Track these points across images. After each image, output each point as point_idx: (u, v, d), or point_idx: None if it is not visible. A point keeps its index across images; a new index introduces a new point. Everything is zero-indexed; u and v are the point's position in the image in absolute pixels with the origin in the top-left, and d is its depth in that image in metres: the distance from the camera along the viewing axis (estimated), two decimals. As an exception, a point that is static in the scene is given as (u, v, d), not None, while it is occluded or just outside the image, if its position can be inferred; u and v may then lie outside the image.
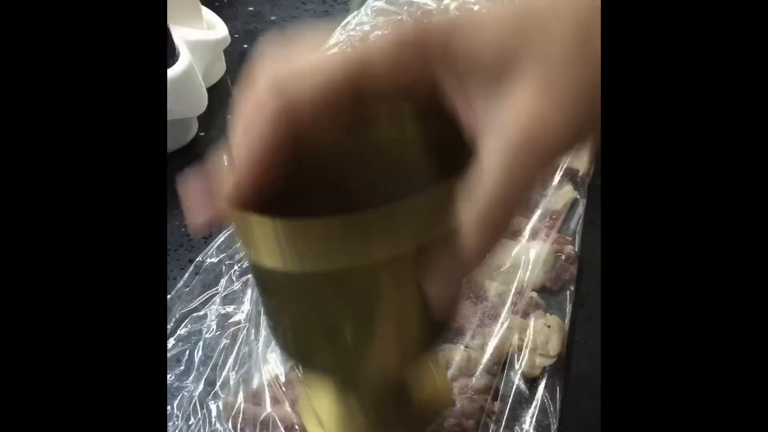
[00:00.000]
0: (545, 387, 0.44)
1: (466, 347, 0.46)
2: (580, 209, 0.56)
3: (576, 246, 0.54)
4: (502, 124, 0.21)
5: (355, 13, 0.79)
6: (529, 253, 0.52)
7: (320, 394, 0.35)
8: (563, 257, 0.52)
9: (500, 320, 0.48)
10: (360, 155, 0.27)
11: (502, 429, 0.41)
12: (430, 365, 0.37)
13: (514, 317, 0.48)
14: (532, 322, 0.47)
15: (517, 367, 0.45)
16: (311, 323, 0.26)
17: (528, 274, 0.51)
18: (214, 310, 0.50)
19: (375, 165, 0.27)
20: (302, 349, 0.28)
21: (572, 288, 0.50)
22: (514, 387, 0.44)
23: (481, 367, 0.44)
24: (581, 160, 0.59)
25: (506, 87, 0.21)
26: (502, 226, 0.22)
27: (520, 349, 0.46)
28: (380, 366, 0.27)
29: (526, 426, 0.42)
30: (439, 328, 0.28)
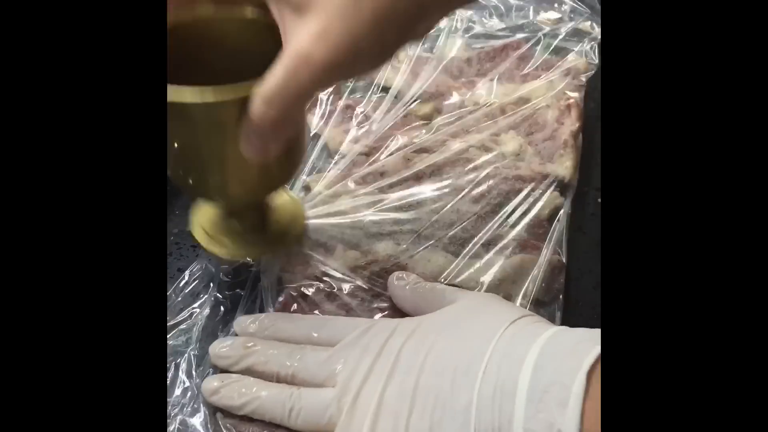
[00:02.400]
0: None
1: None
2: (565, 217, 0.57)
3: (563, 255, 0.54)
4: (290, 47, 0.31)
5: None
6: (517, 266, 0.52)
7: (203, 210, 0.50)
8: (551, 268, 0.52)
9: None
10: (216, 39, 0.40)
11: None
12: (288, 197, 0.52)
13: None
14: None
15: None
16: (184, 154, 0.39)
17: (516, 286, 0.51)
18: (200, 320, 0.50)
19: (226, 46, 0.40)
20: (182, 177, 0.41)
21: (561, 297, 0.51)
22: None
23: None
24: (564, 167, 0.59)
25: (299, 20, 0.31)
26: (276, 106, 0.32)
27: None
28: (235, 192, 0.41)
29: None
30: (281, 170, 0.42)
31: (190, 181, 0.41)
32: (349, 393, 0.36)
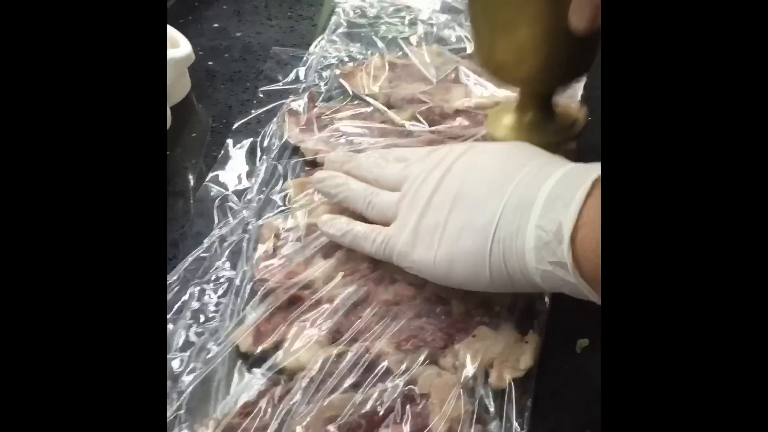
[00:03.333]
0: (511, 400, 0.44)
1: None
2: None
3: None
4: None
5: (321, 37, 0.79)
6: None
7: (503, 112, 0.59)
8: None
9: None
10: None
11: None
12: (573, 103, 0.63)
13: (486, 331, 0.48)
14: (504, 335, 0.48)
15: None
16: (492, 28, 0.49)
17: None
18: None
19: None
20: (492, 59, 0.52)
21: (547, 301, 0.50)
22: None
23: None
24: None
25: None
26: None
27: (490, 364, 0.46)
28: (545, 76, 0.51)
29: None
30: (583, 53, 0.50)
31: (507, 64, 0.50)
32: (408, 195, 0.47)
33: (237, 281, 0.54)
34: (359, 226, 0.51)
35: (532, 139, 0.49)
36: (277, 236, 0.57)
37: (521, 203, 0.40)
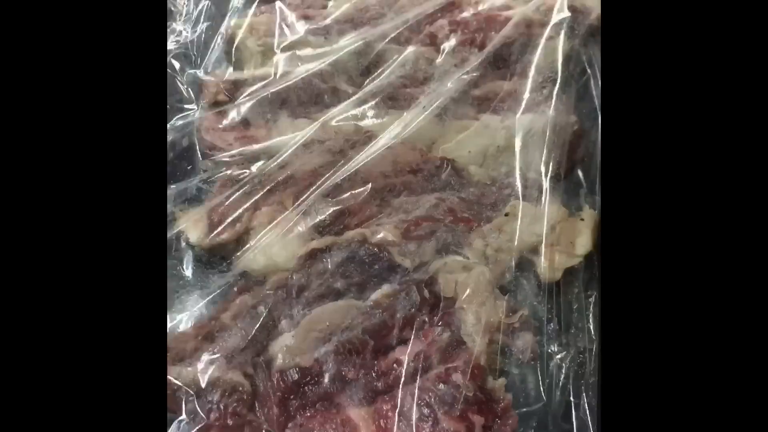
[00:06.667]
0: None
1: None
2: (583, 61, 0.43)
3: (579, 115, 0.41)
4: None
5: None
6: (526, 127, 0.39)
7: None
8: (570, 132, 0.39)
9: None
10: None
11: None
12: None
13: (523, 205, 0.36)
14: (546, 210, 0.35)
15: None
16: None
17: (528, 153, 0.38)
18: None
19: None
20: None
21: (597, 167, 0.38)
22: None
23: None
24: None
25: None
26: None
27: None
28: None
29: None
30: None
31: None
32: None
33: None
34: None
35: None
36: (223, 91, 0.43)
37: None
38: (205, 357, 0.31)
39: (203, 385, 0.30)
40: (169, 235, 0.36)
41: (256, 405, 0.31)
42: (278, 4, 0.49)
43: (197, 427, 0.30)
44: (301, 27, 0.47)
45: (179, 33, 0.47)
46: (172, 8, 0.50)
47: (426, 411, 0.29)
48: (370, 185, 0.37)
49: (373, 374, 0.31)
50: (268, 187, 0.37)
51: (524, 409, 0.31)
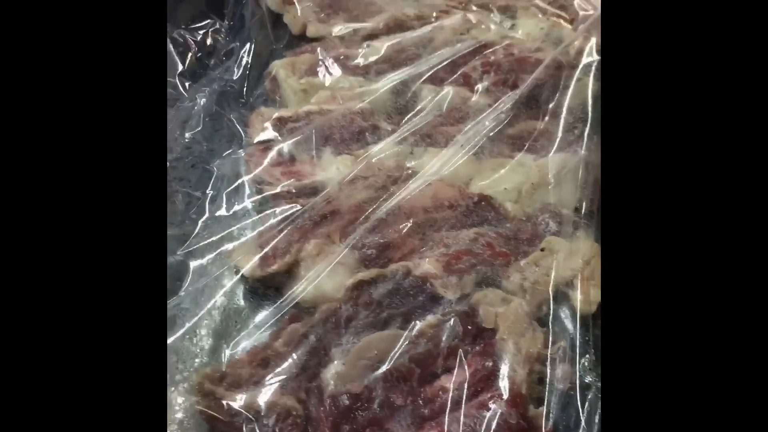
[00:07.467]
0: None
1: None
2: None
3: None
4: None
5: None
6: (559, 166, 0.41)
7: None
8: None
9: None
10: None
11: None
12: None
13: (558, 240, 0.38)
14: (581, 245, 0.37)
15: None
16: None
17: (562, 190, 0.40)
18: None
19: None
20: None
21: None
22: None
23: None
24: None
25: None
26: None
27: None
28: None
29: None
30: None
31: None
32: None
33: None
34: None
35: None
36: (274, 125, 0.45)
37: None
38: (261, 383, 0.33)
39: (261, 411, 0.32)
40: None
41: (309, 430, 0.33)
42: (318, 44, 0.51)
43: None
44: (341, 67, 0.50)
45: (226, 70, 0.50)
46: (217, 46, 0.53)
47: (472, 437, 0.31)
48: (411, 220, 0.39)
49: (420, 401, 0.33)
50: (316, 221, 0.39)
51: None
